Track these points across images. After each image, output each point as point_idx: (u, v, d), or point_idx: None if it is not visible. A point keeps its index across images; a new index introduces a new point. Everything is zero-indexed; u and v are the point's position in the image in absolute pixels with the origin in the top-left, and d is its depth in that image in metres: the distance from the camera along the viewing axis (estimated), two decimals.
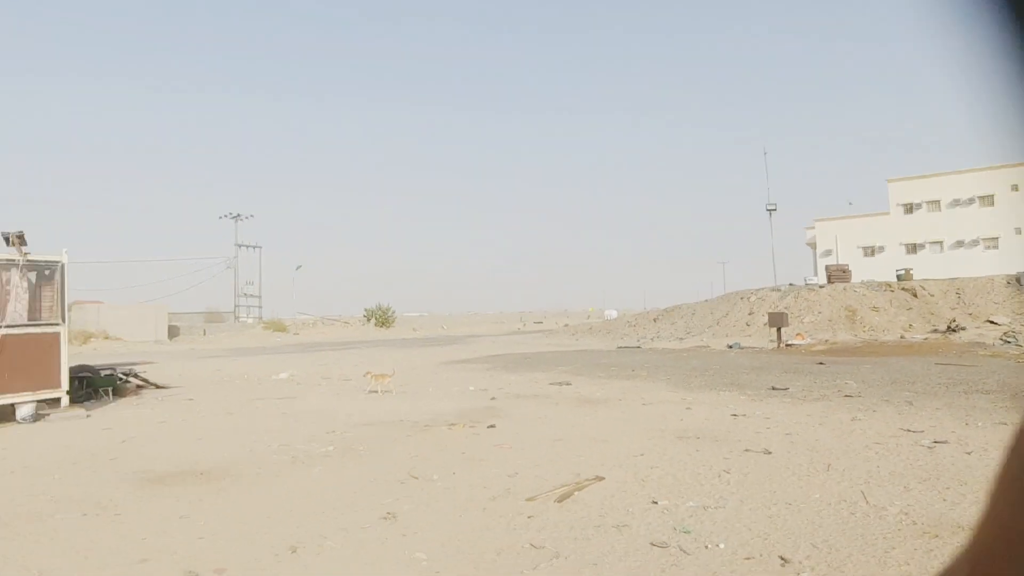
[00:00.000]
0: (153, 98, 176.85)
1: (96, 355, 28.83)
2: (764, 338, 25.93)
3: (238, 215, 63.30)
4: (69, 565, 4.20)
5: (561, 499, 5.18)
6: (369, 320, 57.90)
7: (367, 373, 13.73)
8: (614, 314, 64.84)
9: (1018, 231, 38.82)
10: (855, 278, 35.97)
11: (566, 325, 51.82)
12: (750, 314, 30.39)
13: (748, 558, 3.98)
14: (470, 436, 8.17)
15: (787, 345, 23.57)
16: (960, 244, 40.81)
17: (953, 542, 4.22)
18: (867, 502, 5.16)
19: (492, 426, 8.77)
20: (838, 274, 34.81)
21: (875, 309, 30.06)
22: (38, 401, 10.70)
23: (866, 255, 44.38)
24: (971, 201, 40.81)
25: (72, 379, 12.36)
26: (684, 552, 4.08)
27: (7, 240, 10.60)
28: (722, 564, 3.89)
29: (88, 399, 12.69)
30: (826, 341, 24.77)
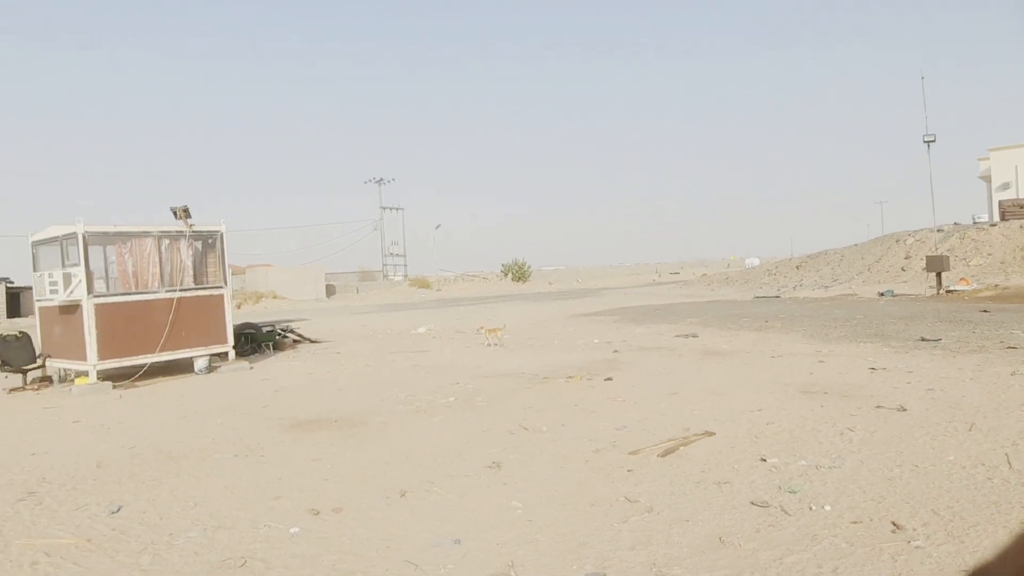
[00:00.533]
0: (297, 78, 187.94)
1: (266, 312, 31.87)
2: (922, 284, 23.73)
3: (381, 179, 66.63)
4: (217, 498, 4.82)
5: (664, 454, 5.16)
6: (506, 275, 59.36)
7: (480, 328, 14.30)
8: (756, 262, 61.77)
9: None
10: None
11: (704, 275, 50.18)
12: (906, 258, 27.84)
13: (855, 522, 3.79)
14: (586, 389, 8.27)
15: (948, 291, 21.43)
16: None
17: None
18: (1010, 466, 4.69)
19: (609, 379, 8.81)
20: (1014, 210, 30.82)
21: None
22: (211, 355, 12.04)
23: None
24: None
25: (238, 335, 13.79)
26: (785, 513, 3.96)
27: (175, 214, 11.88)
28: (824, 527, 3.74)
29: (253, 353, 14.11)
30: (995, 286, 22.25)
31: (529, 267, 60.12)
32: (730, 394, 7.55)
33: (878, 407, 6.59)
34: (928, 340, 11.13)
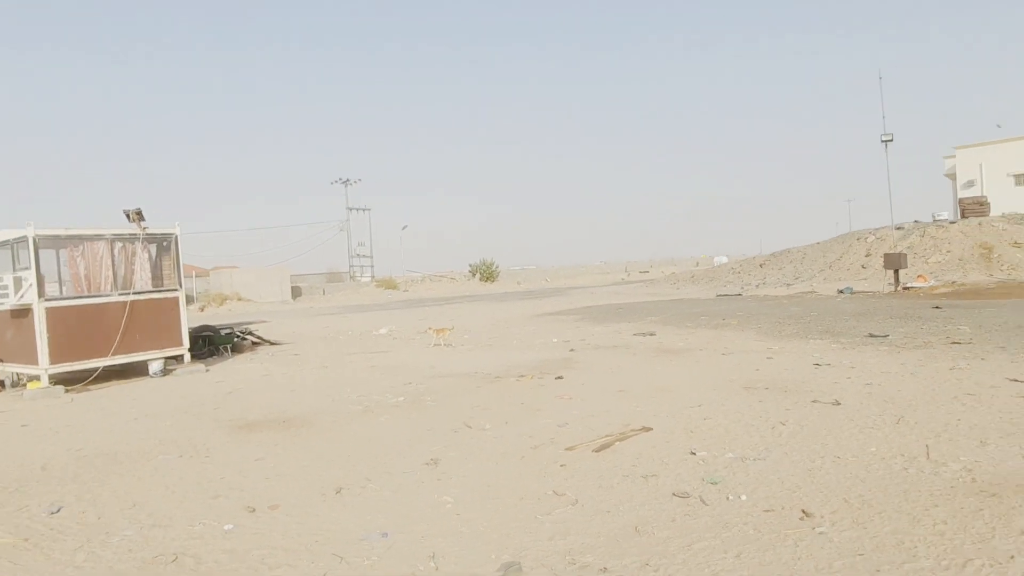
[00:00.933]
0: (262, 76, 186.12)
1: (230, 315, 31.57)
2: (881, 281, 24.31)
3: (347, 180, 66.45)
4: (157, 497, 4.85)
5: (600, 449, 5.31)
6: (474, 275, 59.41)
7: (429, 328, 14.55)
8: (724, 260, 62.68)
9: None
10: (1005, 210, 32.41)
11: (672, 273, 50.81)
12: (867, 256, 28.51)
13: (768, 510, 3.96)
14: (536, 387, 8.40)
15: (905, 288, 22.02)
16: None
17: (1013, 504, 3.96)
18: (928, 457, 4.91)
19: (560, 377, 8.95)
20: (974, 207, 31.73)
21: (1017, 245, 27.38)
22: (166, 358, 11.95)
23: (1019, 184, 39.59)
24: None
25: (196, 338, 13.72)
26: (703, 503, 4.11)
27: (128, 217, 11.78)
28: (738, 516, 3.90)
29: (210, 355, 14.00)
30: (952, 283, 22.92)
31: (497, 267, 60.28)
32: (675, 391, 7.73)
33: (814, 402, 6.81)
34: (876, 336, 11.46)
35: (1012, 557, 3.28)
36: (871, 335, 11.60)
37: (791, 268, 31.66)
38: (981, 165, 40.84)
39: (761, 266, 34.42)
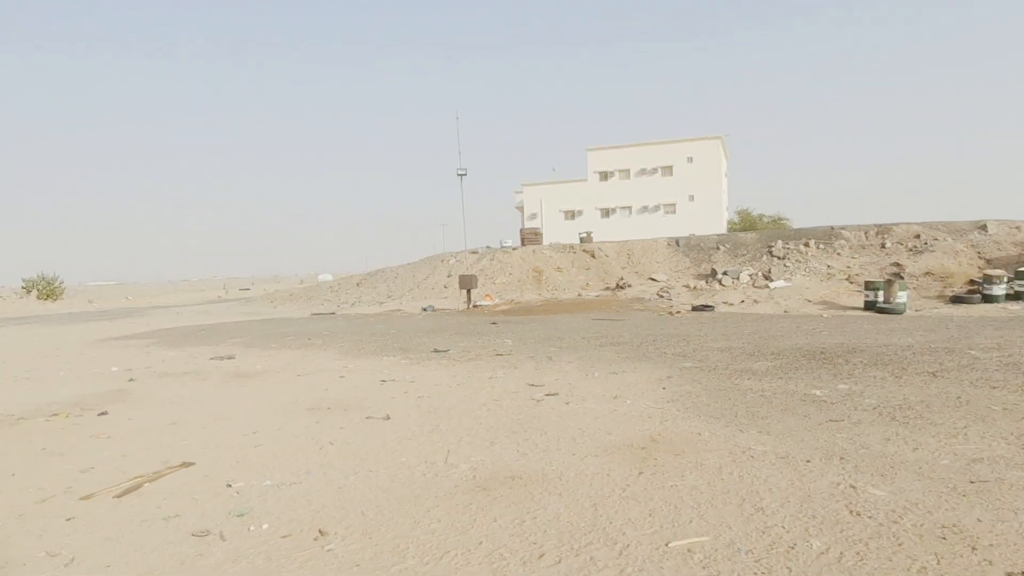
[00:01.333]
0: None
1: None
2: (458, 300, 27.35)
3: None
4: None
5: (123, 494, 4.84)
6: (30, 292, 48.96)
7: None
8: (328, 278, 63.54)
9: (691, 198, 45.77)
10: (556, 240, 39.57)
11: (275, 291, 49.47)
12: (448, 276, 31.83)
13: (285, 536, 4.08)
14: (69, 427, 7.30)
15: (475, 306, 25.17)
16: (646, 209, 47.09)
17: (497, 494, 4.72)
18: (446, 462, 5.60)
19: (104, 413, 7.94)
20: (531, 237, 38.05)
21: (559, 270, 33.42)
22: None
23: (567, 218, 49.06)
24: (655, 171, 47.12)
25: None
26: (222, 539, 4.05)
27: None
28: (253, 547, 3.93)
29: None
30: (512, 301, 26.95)
31: (62, 283, 50.57)
32: (236, 418, 7.50)
33: (368, 418, 7.27)
34: (440, 351, 12.80)
35: (480, 543, 3.94)
36: (436, 350, 12.92)
37: (385, 287, 33.57)
38: (541, 201, 49.68)
39: (358, 285, 35.74)
